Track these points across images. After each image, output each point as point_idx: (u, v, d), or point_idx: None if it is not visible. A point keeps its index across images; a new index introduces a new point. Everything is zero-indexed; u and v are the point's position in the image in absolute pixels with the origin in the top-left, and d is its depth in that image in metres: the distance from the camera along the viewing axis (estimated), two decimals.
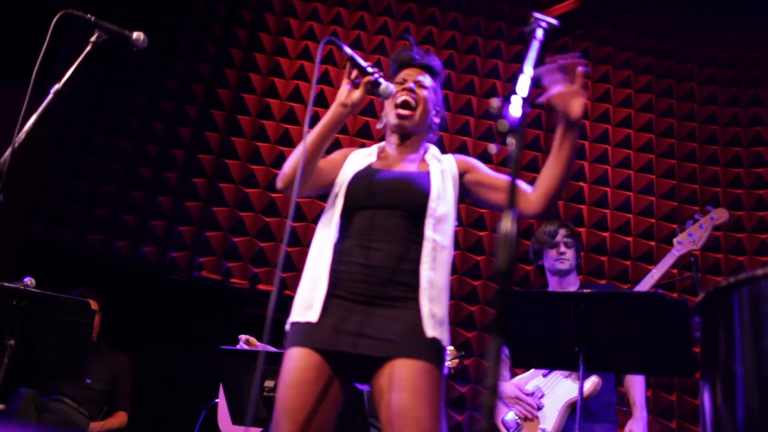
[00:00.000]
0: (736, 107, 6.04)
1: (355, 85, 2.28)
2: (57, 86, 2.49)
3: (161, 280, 5.44)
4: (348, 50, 2.27)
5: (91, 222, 5.46)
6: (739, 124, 6.00)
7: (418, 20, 6.15)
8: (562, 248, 3.74)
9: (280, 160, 5.60)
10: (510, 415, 3.58)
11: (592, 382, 3.40)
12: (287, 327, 2.21)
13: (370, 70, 2.27)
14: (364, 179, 2.27)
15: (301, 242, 5.46)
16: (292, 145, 5.65)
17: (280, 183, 2.27)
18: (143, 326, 5.16)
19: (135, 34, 2.64)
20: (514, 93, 1.37)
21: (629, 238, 5.66)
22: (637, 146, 5.93)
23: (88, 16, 2.58)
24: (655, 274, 3.70)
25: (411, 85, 2.41)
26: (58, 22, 2.49)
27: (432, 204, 2.19)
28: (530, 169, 5.79)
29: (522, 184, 2.26)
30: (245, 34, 5.99)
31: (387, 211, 2.20)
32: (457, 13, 6.14)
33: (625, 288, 5.34)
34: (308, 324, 2.12)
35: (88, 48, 2.58)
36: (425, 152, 2.43)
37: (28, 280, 3.34)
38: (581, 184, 5.80)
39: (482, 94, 5.96)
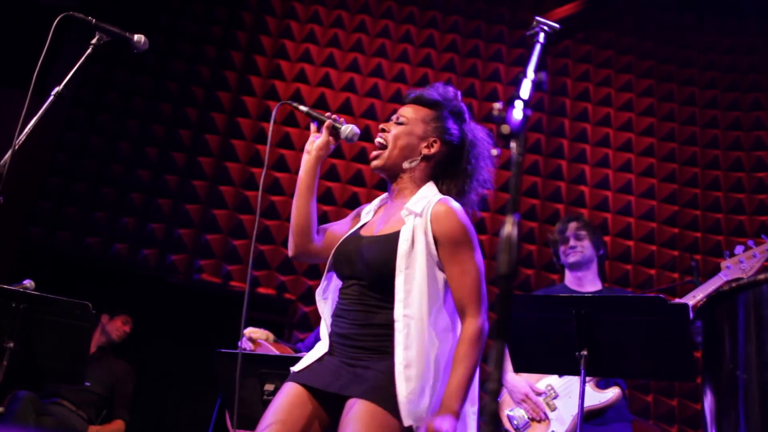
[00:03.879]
0: (738, 111, 6.04)
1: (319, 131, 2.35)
2: (57, 88, 2.48)
3: (160, 283, 5.43)
4: (303, 108, 2.34)
5: (90, 224, 5.45)
6: (741, 128, 6.00)
7: (419, 23, 6.15)
8: (572, 242, 3.68)
9: (280, 163, 5.59)
10: (518, 412, 3.50)
11: (614, 393, 3.35)
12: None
13: (326, 116, 2.33)
14: (339, 249, 2.28)
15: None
16: (293, 148, 5.65)
17: (291, 252, 2.36)
18: (142, 329, 5.15)
19: (136, 37, 2.64)
20: (516, 97, 1.36)
21: (630, 242, 5.65)
22: (638, 150, 5.92)
23: (89, 18, 2.57)
24: (698, 295, 3.54)
25: (382, 125, 2.35)
26: (58, 25, 2.49)
27: (398, 278, 2.10)
28: (531, 173, 5.79)
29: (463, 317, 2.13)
30: (245, 37, 5.99)
31: (354, 280, 2.21)
32: (458, 16, 6.14)
33: (628, 291, 5.33)
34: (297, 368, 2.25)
35: (89, 50, 2.57)
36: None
37: (28, 283, 3.33)
38: (582, 188, 5.79)
39: (483, 98, 5.96)
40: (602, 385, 3.38)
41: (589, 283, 3.69)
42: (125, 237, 5.45)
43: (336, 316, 2.23)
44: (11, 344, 3.06)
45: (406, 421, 1.99)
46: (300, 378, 2.18)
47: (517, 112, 1.31)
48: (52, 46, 2.49)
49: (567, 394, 3.44)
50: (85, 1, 5.20)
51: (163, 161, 5.62)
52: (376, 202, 2.42)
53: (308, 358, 2.24)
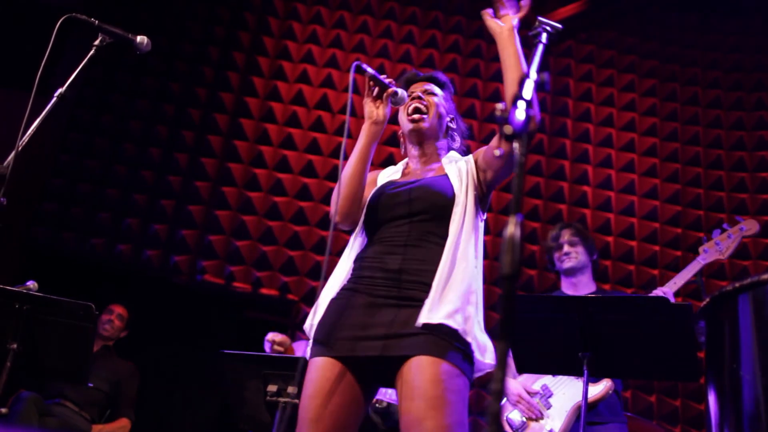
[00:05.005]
0: (741, 111, 6.03)
1: (376, 99, 2.36)
2: (60, 90, 2.49)
3: (163, 284, 5.44)
4: (370, 70, 2.33)
5: (93, 225, 5.46)
6: (744, 129, 5.99)
7: (421, 24, 6.15)
8: (566, 248, 3.75)
9: (282, 164, 5.60)
10: (515, 414, 3.55)
11: (604, 386, 3.38)
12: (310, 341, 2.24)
13: (387, 81, 2.36)
14: (382, 195, 2.34)
15: (303, 246, 5.46)
16: (295, 149, 5.65)
17: (338, 217, 2.30)
18: (145, 330, 5.16)
19: (139, 38, 2.64)
20: (519, 97, 1.36)
21: (633, 243, 5.65)
22: (641, 150, 5.92)
23: (92, 19, 2.57)
24: (678, 281, 3.65)
25: (418, 93, 2.45)
26: (61, 26, 2.50)
27: (456, 208, 2.23)
28: (534, 173, 5.79)
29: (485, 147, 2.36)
30: (248, 38, 5.99)
31: (406, 218, 2.25)
32: (460, 16, 6.14)
33: (630, 292, 5.33)
34: (320, 330, 2.17)
35: (92, 52, 2.58)
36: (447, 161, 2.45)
37: (31, 284, 3.33)
38: (585, 188, 5.79)
39: (486, 98, 5.96)
40: (593, 380, 3.41)
41: (584, 287, 3.75)
42: (129, 238, 5.46)
43: (385, 254, 2.21)
44: (15, 345, 3.07)
45: (422, 319, 2.03)
46: (333, 351, 2.12)
47: (520, 113, 1.31)
48: (55, 47, 2.50)
49: (561, 392, 3.49)
50: (89, 2, 5.21)
51: (167, 162, 5.63)
52: (399, 166, 2.52)
53: (323, 320, 2.18)
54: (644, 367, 2.74)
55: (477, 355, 2.11)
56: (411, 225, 2.24)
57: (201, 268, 5.41)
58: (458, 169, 2.33)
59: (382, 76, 2.36)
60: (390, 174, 2.48)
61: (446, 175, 2.32)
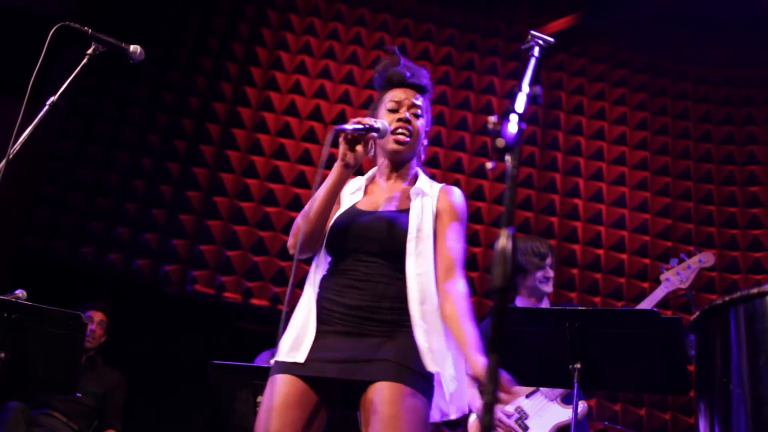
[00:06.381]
0: (731, 126, 6.07)
1: (354, 144, 2.24)
2: (53, 98, 2.48)
3: (154, 294, 5.41)
4: (349, 127, 2.20)
5: (84, 234, 5.44)
6: (734, 143, 6.02)
7: (414, 36, 6.17)
8: (549, 272, 3.73)
9: (274, 175, 5.59)
10: None
11: (582, 408, 3.39)
12: (272, 362, 2.22)
13: (369, 124, 2.23)
14: (344, 224, 2.28)
15: (293, 256, 5.44)
16: (287, 159, 5.65)
17: (295, 251, 2.25)
18: (135, 339, 5.13)
19: (132, 47, 2.64)
20: (511, 110, 1.37)
21: (623, 255, 5.66)
22: (632, 163, 5.94)
23: (85, 28, 2.57)
24: (644, 306, 3.70)
25: (407, 115, 2.34)
26: (54, 34, 2.50)
27: (410, 244, 2.20)
28: (525, 186, 5.80)
29: (452, 281, 2.24)
30: (242, 48, 6.00)
31: (366, 254, 2.23)
32: (453, 29, 6.16)
33: (620, 305, 5.34)
34: (286, 350, 2.17)
35: (85, 60, 2.57)
36: (414, 182, 2.39)
37: (20, 293, 3.31)
38: (576, 201, 5.80)
39: (478, 110, 5.98)
40: (568, 401, 3.42)
41: (544, 305, 3.76)
42: (120, 247, 5.44)
43: (344, 287, 2.20)
44: (2, 354, 3.05)
45: (431, 367, 2.10)
46: (296, 369, 2.13)
47: (512, 126, 1.32)
48: (47, 55, 2.50)
49: (537, 414, 3.48)
50: (83, 11, 5.21)
51: (158, 171, 5.62)
52: (361, 181, 2.43)
53: (294, 345, 2.17)
54: (634, 380, 2.74)
55: (446, 396, 2.17)
56: (368, 260, 2.21)
57: (192, 278, 5.39)
58: (422, 205, 2.28)
59: (367, 124, 2.22)
60: (353, 190, 2.40)
61: (407, 211, 2.27)
